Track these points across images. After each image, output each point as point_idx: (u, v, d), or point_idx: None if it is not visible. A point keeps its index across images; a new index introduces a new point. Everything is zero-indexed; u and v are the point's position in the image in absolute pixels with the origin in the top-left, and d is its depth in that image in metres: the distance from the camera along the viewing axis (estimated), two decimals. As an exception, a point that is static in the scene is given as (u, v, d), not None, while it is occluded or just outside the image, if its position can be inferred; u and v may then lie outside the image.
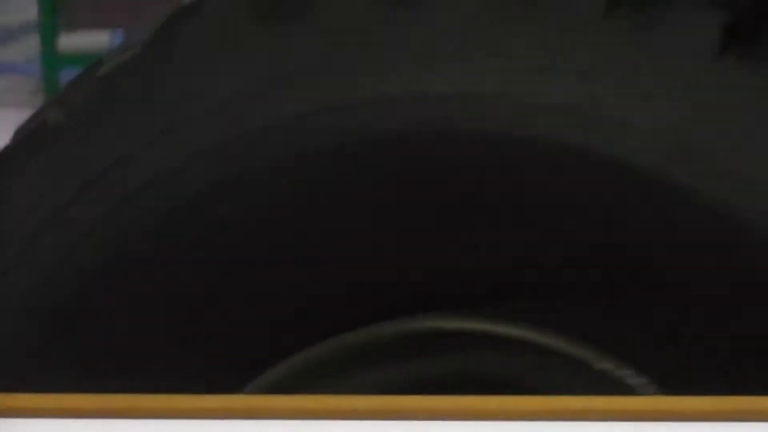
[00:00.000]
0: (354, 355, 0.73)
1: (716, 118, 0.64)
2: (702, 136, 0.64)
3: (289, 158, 0.71)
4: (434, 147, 0.69)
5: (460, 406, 0.39)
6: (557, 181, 0.67)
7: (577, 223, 0.67)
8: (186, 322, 0.73)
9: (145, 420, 0.39)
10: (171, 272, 0.72)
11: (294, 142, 0.70)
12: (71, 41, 4.29)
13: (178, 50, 0.74)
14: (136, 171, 0.72)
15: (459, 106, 0.68)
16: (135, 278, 0.73)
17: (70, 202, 0.73)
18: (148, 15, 0.83)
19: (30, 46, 4.63)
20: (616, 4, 0.66)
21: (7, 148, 0.78)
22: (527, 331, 0.70)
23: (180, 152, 0.72)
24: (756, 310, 0.64)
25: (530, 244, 0.69)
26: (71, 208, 0.74)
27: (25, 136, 0.78)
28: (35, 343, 0.74)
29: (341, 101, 0.69)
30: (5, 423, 0.38)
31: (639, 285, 0.68)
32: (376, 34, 0.69)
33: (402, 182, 0.69)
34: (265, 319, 0.73)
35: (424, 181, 0.70)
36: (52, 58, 4.32)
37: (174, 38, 0.74)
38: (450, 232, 0.69)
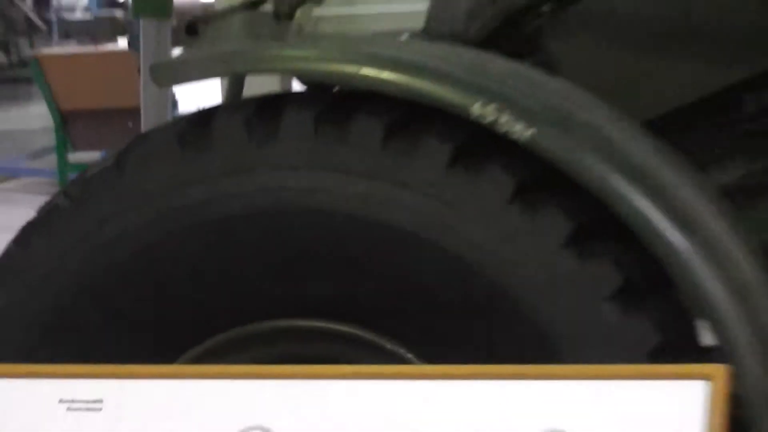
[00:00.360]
0: (236, 345, 1.07)
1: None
2: None
3: (197, 230, 1.03)
4: (283, 224, 1.01)
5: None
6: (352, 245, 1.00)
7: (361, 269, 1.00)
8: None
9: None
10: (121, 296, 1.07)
11: (194, 221, 1.03)
12: (75, 157, 5.85)
13: (128, 164, 1.07)
14: (106, 233, 1.06)
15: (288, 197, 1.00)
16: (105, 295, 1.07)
17: (67, 251, 1.08)
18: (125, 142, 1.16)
19: (51, 160, 6.24)
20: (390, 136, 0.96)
21: (33, 219, 1.15)
22: (341, 326, 1.03)
23: (127, 225, 1.05)
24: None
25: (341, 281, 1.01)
26: (67, 256, 1.08)
27: (44, 213, 1.14)
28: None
29: (225, 192, 1.01)
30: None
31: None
32: (249, 157, 1.01)
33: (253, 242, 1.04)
34: (180, 322, 1.07)
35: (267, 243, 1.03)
36: (64, 168, 5.82)
37: (128, 156, 1.08)
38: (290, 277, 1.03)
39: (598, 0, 1.29)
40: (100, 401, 0.81)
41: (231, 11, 1.38)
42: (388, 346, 1.03)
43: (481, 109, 0.95)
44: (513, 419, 0.75)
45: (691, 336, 1.04)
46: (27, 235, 1.14)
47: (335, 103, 1.07)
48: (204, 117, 1.09)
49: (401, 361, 1.02)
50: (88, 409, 0.81)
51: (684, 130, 1.27)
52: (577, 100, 1.05)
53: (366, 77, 1.02)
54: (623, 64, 1.26)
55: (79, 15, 11.78)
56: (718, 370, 0.75)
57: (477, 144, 1.00)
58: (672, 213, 0.93)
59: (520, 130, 0.94)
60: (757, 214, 1.21)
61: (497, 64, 1.10)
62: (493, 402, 0.76)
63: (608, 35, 1.27)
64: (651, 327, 0.95)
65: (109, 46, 8.18)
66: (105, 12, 11.44)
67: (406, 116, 1.01)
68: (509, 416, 0.75)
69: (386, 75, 1.00)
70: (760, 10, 1.18)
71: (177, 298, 1.08)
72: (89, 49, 8.07)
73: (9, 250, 1.16)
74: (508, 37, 1.29)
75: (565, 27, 1.30)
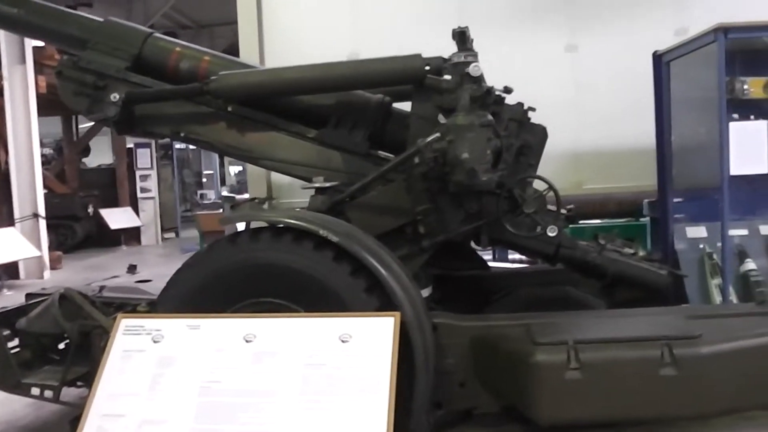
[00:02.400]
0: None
1: None
2: None
3: None
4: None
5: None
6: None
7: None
8: None
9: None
10: None
11: None
12: None
13: None
14: None
15: None
16: None
17: None
18: None
19: None
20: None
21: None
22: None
23: None
24: None
25: None
26: None
27: None
28: None
29: None
30: None
31: None
32: None
33: None
34: None
35: None
36: None
37: None
38: None
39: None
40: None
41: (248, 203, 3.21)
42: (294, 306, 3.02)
43: (323, 231, 2.93)
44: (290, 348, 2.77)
45: (393, 305, 3.10)
46: None
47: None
48: None
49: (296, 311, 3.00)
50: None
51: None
52: (359, 232, 3.11)
53: (286, 221, 2.97)
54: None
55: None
56: (397, 314, 2.83)
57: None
58: (383, 265, 3.01)
59: (334, 238, 2.94)
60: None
61: (331, 219, 3.16)
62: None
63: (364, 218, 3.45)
64: (378, 302, 3.00)
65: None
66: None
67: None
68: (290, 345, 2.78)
69: (293, 220, 2.97)
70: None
71: None
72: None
73: None
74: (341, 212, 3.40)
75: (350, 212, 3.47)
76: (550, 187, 3.59)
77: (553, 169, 5.24)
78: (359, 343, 2.80)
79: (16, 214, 9.95)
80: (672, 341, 2.87)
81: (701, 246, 4.31)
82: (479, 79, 3.27)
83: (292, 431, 2.62)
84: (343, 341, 2.81)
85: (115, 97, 3.74)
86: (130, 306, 3.80)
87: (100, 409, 2.79)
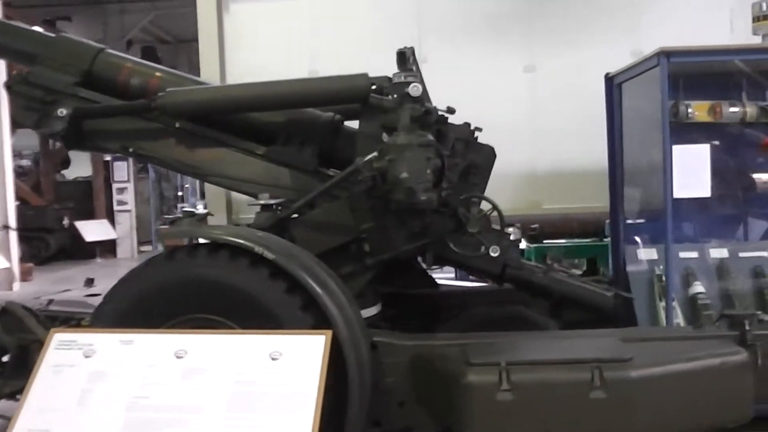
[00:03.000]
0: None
1: None
2: None
3: None
4: None
5: None
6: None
7: None
8: None
9: None
10: None
11: None
12: None
13: None
14: None
15: None
16: None
17: None
18: None
19: None
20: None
21: None
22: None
23: None
24: None
25: None
26: None
27: None
28: None
29: None
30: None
31: None
32: None
33: None
34: None
35: None
36: None
37: None
38: None
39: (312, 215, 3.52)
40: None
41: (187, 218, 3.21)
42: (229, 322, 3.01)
43: (258, 248, 2.93)
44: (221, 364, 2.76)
45: (328, 323, 3.09)
46: None
47: None
48: None
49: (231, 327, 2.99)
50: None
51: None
52: (297, 250, 3.13)
53: (222, 237, 2.99)
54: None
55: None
56: (329, 332, 2.82)
57: None
58: (319, 283, 3.01)
59: (270, 256, 2.93)
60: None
61: (272, 237, 3.20)
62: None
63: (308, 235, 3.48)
64: (313, 320, 2.99)
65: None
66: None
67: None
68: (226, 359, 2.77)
69: (229, 237, 2.99)
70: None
71: None
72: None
73: None
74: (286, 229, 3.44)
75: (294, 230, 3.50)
76: (494, 208, 3.61)
77: (510, 188, 5.33)
78: (289, 360, 2.79)
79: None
80: (603, 364, 2.88)
81: (652, 268, 4.33)
82: (419, 99, 3.29)
83: (207, 444, 2.62)
84: (273, 359, 2.80)
85: (62, 112, 3.74)
86: (74, 320, 3.77)
87: (26, 425, 2.75)
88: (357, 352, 3.03)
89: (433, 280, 4.44)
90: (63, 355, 2.93)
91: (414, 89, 3.24)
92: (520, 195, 5.38)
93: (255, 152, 3.84)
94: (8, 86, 3.91)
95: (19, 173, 14.06)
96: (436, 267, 4.17)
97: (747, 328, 3.20)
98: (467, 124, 3.82)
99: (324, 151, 3.89)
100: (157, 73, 4.03)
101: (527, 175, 5.41)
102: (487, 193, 5.28)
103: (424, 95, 3.54)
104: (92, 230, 13.84)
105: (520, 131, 5.34)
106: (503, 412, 2.90)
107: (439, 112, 3.55)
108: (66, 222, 13.34)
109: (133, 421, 2.71)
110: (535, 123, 5.38)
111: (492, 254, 3.57)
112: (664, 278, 4.28)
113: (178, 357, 2.85)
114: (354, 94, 3.51)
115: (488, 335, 3.40)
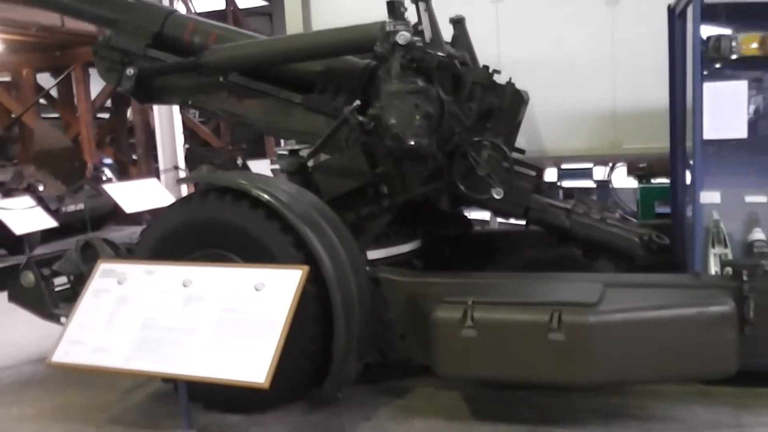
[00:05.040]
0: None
1: None
2: None
3: None
4: None
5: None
6: None
7: None
8: None
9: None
10: None
11: None
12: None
13: None
14: None
15: None
16: None
17: None
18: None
19: None
20: None
21: None
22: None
23: None
24: None
25: None
26: None
27: None
28: None
29: None
30: None
31: None
32: None
33: None
34: None
35: None
36: None
37: None
38: None
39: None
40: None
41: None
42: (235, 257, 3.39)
43: (255, 191, 3.26)
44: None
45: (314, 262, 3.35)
46: None
47: None
48: None
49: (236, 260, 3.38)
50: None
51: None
52: (297, 194, 3.47)
53: (226, 182, 3.44)
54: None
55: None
56: (306, 267, 3.11)
57: None
58: (308, 224, 3.29)
59: (264, 198, 3.26)
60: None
61: (276, 182, 3.54)
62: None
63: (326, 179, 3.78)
64: (304, 257, 3.28)
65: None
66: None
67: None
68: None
69: (231, 181, 3.37)
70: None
71: None
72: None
73: None
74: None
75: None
76: (498, 149, 3.62)
77: (589, 128, 5.17)
78: (270, 291, 3.13)
79: (161, 167, 11.18)
80: (563, 307, 2.89)
81: (710, 212, 4.07)
82: (408, 47, 3.36)
83: (197, 365, 3.03)
84: (257, 289, 3.15)
85: (130, 72, 4.26)
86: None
87: (68, 336, 3.37)
88: (343, 287, 3.27)
89: (468, 221, 4.52)
90: (103, 282, 3.50)
91: (401, 38, 3.33)
92: (598, 135, 5.20)
93: (293, 101, 4.12)
94: (94, 51, 4.51)
95: (202, 120, 15.52)
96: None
97: (745, 279, 3.01)
98: (485, 68, 3.82)
99: (361, 98, 4.08)
100: (216, 31, 4.42)
101: (607, 114, 5.19)
102: (563, 132, 5.27)
103: (436, 40, 3.61)
104: (260, 168, 15.06)
105: (599, 69, 5.12)
106: (467, 349, 3.03)
107: (456, 59, 3.60)
108: (240, 161, 14.60)
109: (143, 340, 3.21)
110: (616, 60, 5.12)
111: (495, 197, 3.60)
112: (721, 224, 4.03)
113: (185, 286, 3.30)
114: (363, 44, 3.64)
115: (486, 275, 3.49)
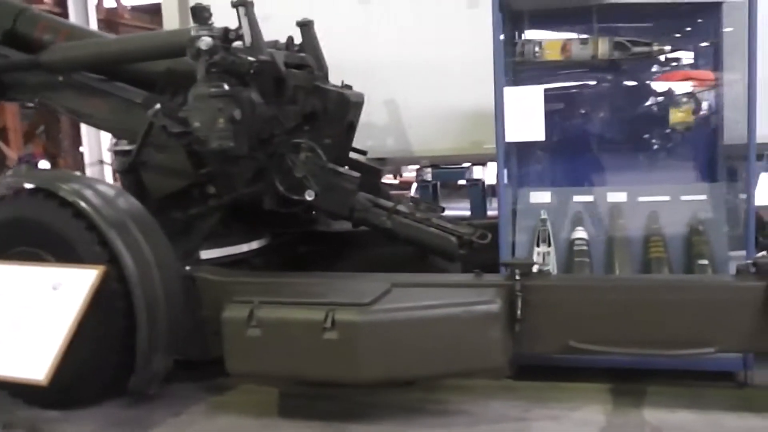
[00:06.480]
0: None
1: None
2: None
3: None
4: None
5: None
6: None
7: None
8: None
9: None
10: None
11: None
12: None
13: None
14: None
15: None
16: None
17: None
18: None
19: None
20: None
21: None
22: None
23: None
24: None
25: None
26: None
27: None
28: None
29: None
30: None
31: None
32: None
33: None
34: None
35: None
36: None
37: None
38: None
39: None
40: None
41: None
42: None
43: (62, 191, 3.34)
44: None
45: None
46: None
47: None
48: None
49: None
50: None
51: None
52: (108, 194, 3.54)
53: (34, 182, 3.49)
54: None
55: None
56: (101, 267, 3.19)
57: None
58: (110, 223, 3.36)
59: (69, 198, 3.33)
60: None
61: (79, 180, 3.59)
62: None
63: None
64: (108, 254, 3.36)
65: None
66: None
67: None
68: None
69: (39, 181, 3.40)
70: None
71: None
72: None
73: None
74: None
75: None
76: (314, 151, 3.71)
77: (453, 128, 5.26)
78: (66, 290, 3.20)
79: (86, 161, 11.17)
80: (337, 307, 3.00)
81: (537, 211, 4.21)
82: (210, 52, 3.43)
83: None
84: (54, 288, 3.23)
85: None
86: None
87: None
88: (145, 285, 3.35)
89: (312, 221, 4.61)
90: None
91: (203, 43, 3.40)
92: (461, 135, 5.30)
93: (134, 101, 4.18)
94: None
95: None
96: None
97: (517, 277, 3.13)
98: (309, 71, 3.91)
99: None
100: (66, 29, 4.46)
101: (469, 115, 5.29)
102: (430, 133, 5.36)
103: (256, 44, 3.68)
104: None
105: (463, 70, 5.20)
106: (251, 347, 3.13)
107: (274, 63, 3.69)
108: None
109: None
110: (477, 61, 5.21)
111: (307, 198, 3.70)
112: (547, 223, 4.17)
113: (-9, 284, 3.36)
114: (176, 49, 3.69)
115: (280, 275, 3.60)
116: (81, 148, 11.39)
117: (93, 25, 11.08)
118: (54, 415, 3.55)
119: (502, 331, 3.01)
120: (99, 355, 3.42)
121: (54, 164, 13.05)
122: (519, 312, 3.06)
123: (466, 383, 3.63)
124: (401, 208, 3.98)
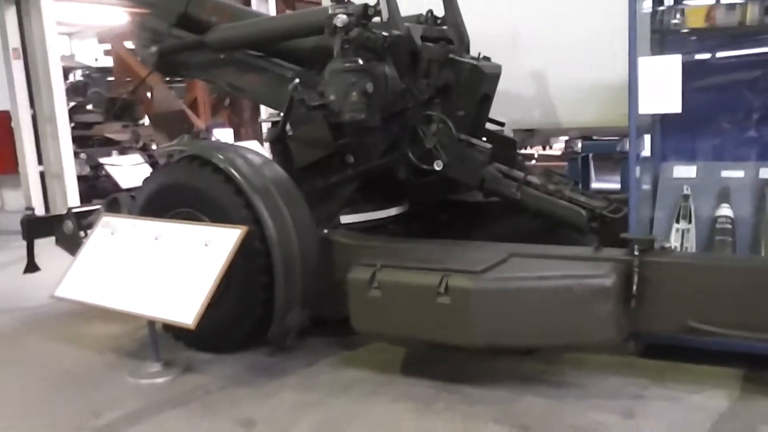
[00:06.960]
0: None
1: None
2: None
3: None
4: None
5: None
6: None
7: None
8: None
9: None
10: None
11: None
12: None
13: None
14: None
15: None
16: None
17: None
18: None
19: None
20: None
21: None
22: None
23: None
24: None
25: None
26: None
27: None
28: None
29: None
30: None
31: None
32: None
33: None
34: None
35: None
36: None
37: None
38: None
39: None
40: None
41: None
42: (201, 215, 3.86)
43: (214, 159, 3.73)
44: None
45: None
46: None
47: None
48: None
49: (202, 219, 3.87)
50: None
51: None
52: (256, 163, 3.90)
53: (191, 150, 3.95)
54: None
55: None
56: (245, 227, 3.55)
57: None
58: (254, 189, 3.71)
59: (221, 165, 3.72)
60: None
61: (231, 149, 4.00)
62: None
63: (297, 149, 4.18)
64: (253, 215, 3.71)
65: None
66: None
67: None
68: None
69: (195, 150, 3.94)
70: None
71: None
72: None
73: None
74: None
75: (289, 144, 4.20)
76: (444, 123, 3.82)
77: (598, 101, 5.14)
78: (215, 247, 3.59)
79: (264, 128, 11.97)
80: (451, 273, 3.12)
81: (681, 186, 4.04)
82: (346, 29, 3.62)
83: (151, 306, 3.57)
84: (206, 245, 3.63)
85: (153, 49, 4.84)
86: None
87: (70, 276, 4.03)
88: (283, 245, 3.67)
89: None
90: (101, 232, 4.12)
91: (338, 20, 3.60)
92: (607, 107, 5.16)
93: (286, 76, 4.51)
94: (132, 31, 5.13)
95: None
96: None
97: (636, 253, 3.07)
98: (443, 45, 4.00)
99: None
100: (228, 11, 4.88)
101: (615, 86, 5.13)
102: (574, 105, 5.26)
103: (392, 20, 3.84)
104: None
105: (606, 42, 5.06)
106: (372, 307, 3.34)
107: (408, 37, 3.84)
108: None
109: (120, 282, 3.79)
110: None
111: (436, 168, 3.82)
112: (690, 199, 4.01)
113: (156, 239, 3.84)
114: (318, 27, 3.93)
115: (406, 241, 3.75)
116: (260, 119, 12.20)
117: (272, 4, 11.84)
118: (206, 357, 4.00)
119: (615, 306, 2.99)
120: (244, 306, 3.80)
121: (236, 133, 14.17)
122: (635, 288, 3.01)
123: (586, 357, 3.63)
124: (532, 179, 4.00)
